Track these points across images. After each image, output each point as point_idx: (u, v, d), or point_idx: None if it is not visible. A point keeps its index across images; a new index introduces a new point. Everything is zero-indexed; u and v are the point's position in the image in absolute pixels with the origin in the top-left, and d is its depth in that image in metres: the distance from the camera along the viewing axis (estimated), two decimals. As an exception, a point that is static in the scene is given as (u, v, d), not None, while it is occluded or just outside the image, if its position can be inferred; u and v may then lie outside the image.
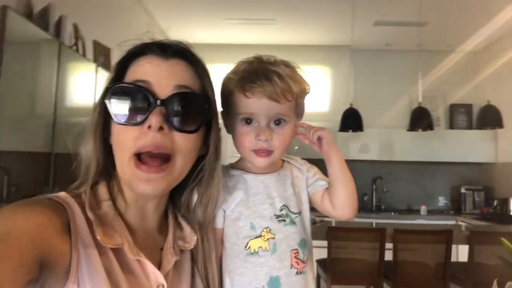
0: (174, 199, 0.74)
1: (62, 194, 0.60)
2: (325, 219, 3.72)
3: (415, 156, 4.70)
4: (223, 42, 4.98)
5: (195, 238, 0.70)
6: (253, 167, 0.81)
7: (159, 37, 0.67)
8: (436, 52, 4.90)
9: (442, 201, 4.95)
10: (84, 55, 2.45)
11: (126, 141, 0.59)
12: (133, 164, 0.59)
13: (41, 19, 2.01)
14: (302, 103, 0.81)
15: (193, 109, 0.63)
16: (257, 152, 0.76)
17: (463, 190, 4.75)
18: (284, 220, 0.78)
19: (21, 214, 0.51)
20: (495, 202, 4.52)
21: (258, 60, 0.78)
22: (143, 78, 0.61)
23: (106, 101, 0.60)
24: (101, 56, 2.71)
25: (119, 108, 0.60)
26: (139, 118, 0.59)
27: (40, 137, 2.07)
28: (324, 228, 3.03)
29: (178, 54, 0.64)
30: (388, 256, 2.81)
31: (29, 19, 1.88)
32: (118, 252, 0.59)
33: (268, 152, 0.76)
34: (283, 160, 0.86)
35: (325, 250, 3.05)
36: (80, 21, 2.48)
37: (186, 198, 0.72)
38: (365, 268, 2.81)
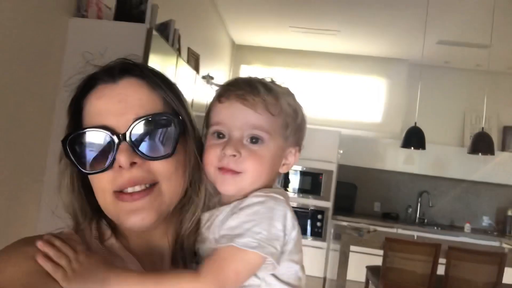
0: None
1: (67, 231, 0.60)
2: (378, 228, 3.91)
3: (464, 174, 4.79)
4: (285, 47, 5.21)
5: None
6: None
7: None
8: (495, 73, 4.92)
9: (486, 221, 5.01)
10: (188, 62, 2.71)
11: (103, 185, 0.56)
12: (114, 199, 0.56)
13: (161, 32, 2.27)
14: (296, 129, 0.64)
15: (161, 131, 0.57)
16: (222, 170, 0.60)
17: (509, 213, 4.80)
18: None
19: (13, 260, 0.50)
20: (542, 229, 4.55)
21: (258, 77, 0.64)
22: (99, 122, 0.55)
23: (68, 154, 0.56)
24: (192, 61, 2.99)
25: (82, 158, 0.56)
26: (106, 162, 0.54)
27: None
28: (378, 237, 3.22)
29: (125, 72, 0.58)
30: (439, 270, 2.98)
31: (165, 39, 2.14)
32: None
33: (234, 173, 0.59)
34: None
35: (376, 257, 3.25)
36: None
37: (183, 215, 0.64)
38: (417, 279, 2.99)
